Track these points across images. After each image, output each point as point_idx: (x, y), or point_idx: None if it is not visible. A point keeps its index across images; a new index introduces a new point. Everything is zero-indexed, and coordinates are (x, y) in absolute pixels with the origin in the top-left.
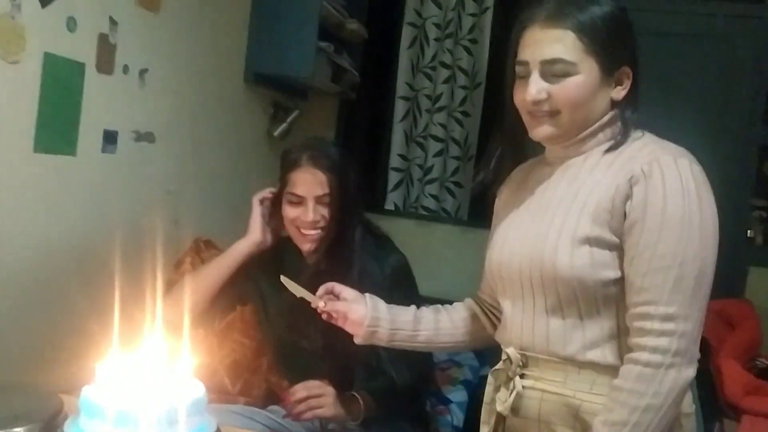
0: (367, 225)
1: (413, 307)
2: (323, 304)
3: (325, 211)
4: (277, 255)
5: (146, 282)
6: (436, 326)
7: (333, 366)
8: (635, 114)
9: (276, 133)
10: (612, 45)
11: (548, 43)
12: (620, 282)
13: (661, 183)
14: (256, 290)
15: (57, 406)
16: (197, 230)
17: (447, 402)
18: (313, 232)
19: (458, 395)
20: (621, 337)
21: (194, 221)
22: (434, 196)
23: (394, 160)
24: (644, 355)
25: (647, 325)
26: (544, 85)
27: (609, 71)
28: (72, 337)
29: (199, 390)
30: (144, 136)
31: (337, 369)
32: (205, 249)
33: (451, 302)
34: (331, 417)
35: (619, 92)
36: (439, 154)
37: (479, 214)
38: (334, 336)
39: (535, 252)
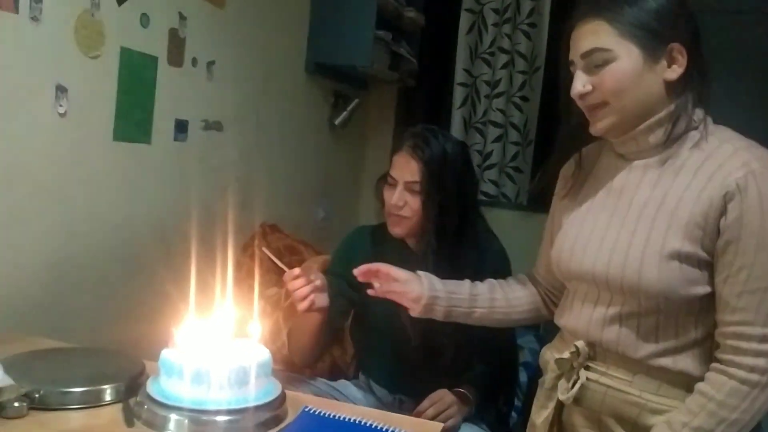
0: (472, 216)
1: (467, 282)
2: (377, 286)
3: (412, 199)
4: (379, 241)
5: (217, 261)
6: (491, 305)
7: (430, 358)
8: (704, 101)
9: (337, 122)
10: (650, 24)
11: (584, 36)
12: (707, 297)
13: (757, 200)
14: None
15: (139, 367)
16: (263, 215)
17: None
18: (394, 215)
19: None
20: (695, 347)
21: (260, 206)
22: (494, 182)
23: None
24: (741, 373)
25: (743, 344)
26: (587, 78)
27: (653, 51)
28: (151, 307)
29: (265, 354)
30: (212, 125)
31: (433, 360)
32: (270, 233)
33: None
34: (457, 422)
35: (675, 71)
36: (498, 139)
37: (539, 199)
38: (431, 329)
39: (616, 262)
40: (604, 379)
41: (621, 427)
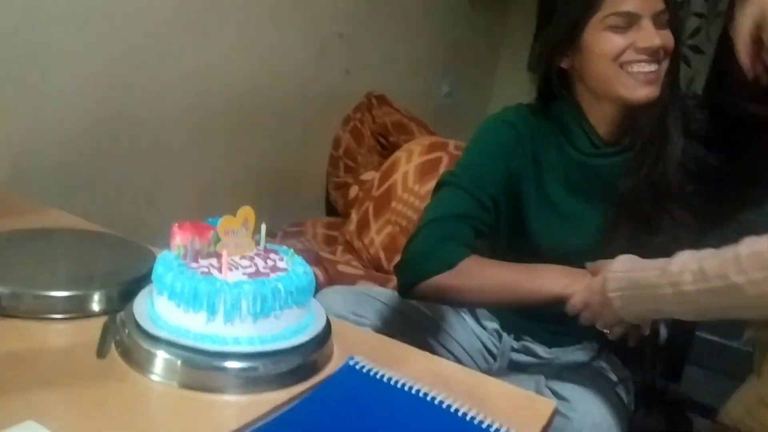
0: None
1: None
2: None
3: (668, 38)
4: (545, 132)
5: (310, 135)
6: None
7: None
8: None
9: None
10: None
11: None
12: None
13: None
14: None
15: (148, 265)
16: (371, 83)
17: None
18: (652, 67)
19: None
20: None
21: (368, 72)
22: None
23: None
24: None
25: None
26: None
27: None
28: (210, 191)
29: (304, 273)
30: None
31: None
32: (377, 106)
33: None
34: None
35: None
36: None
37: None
38: None
39: None
40: None
41: None
